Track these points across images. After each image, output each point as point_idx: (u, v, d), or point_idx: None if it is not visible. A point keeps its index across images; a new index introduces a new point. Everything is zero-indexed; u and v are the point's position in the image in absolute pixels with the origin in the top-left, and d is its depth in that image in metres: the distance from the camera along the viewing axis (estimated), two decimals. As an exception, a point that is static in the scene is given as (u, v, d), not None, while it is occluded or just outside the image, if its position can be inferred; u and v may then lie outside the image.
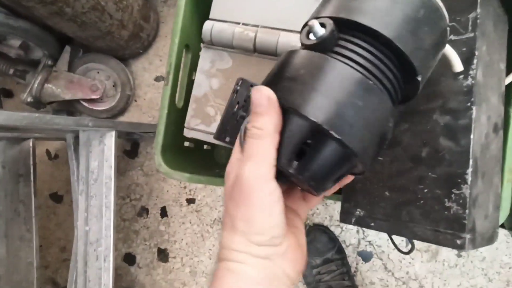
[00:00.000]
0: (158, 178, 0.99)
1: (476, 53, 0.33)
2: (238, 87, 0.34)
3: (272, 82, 0.27)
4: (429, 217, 0.34)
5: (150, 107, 1.00)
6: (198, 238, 0.96)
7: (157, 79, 0.99)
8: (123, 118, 1.01)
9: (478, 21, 0.33)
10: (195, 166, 0.62)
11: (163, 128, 0.51)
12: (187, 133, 0.48)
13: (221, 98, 0.46)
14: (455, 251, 0.82)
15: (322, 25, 0.25)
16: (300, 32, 0.28)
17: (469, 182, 0.31)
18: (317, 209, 0.89)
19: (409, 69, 0.26)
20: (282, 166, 0.26)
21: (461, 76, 0.34)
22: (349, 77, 0.24)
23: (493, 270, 0.81)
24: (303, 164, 0.26)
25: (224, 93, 0.45)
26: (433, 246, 0.83)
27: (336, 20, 0.26)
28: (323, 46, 0.26)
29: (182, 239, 0.97)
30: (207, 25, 0.45)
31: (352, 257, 0.86)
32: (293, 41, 0.40)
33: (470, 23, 0.34)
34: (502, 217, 0.41)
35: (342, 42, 0.26)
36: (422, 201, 0.35)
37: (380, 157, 0.38)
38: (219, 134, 0.35)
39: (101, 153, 0.70)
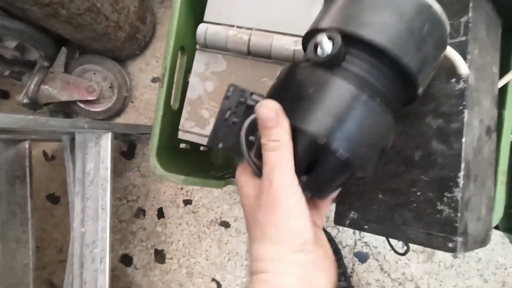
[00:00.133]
0: (155, 179, 0.99)
1: (468, 56, 0.33)
2: (230, 94, 0.34)
3: (276, 97, 0.27)
4: (422, 220, 0.34)
5: (147, 108, 1.00)
6: (195, 239, 0.96)
7: (154, 80, 0.99)
8: (120, 119, 1.01)
9: (470, 25, 0.34)
10: (191, 167, 0.62)
11: (158, 131, 0.51)
12: (181, 135, 0.48)
13: (215, 100, 0.46)
14: (451, 252, 0.82)
15: (330, 38, 0.25)
16: (303, 41, 0.29)
17: (461, 185, 0.32)
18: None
19: (412, 82, 0.27)
20: None
21: (453, 80, 0.34)
22: (356, 99, 0.25)
23: (489, 271, 0.81)
24: (311, 178, 0.27)
25: (218, 96, 0.45)
26: (429, 247, 0.84)
27: (344, 34, 0.25)
28: (329, 63, 0.26)
29: (179, 240, 0.97)
30: (201, 27, 0.45)
31: (348, 258, 0.86)
32: (287, 44, 0.41)
33: (462, 26, 0.34)
34: (496, 219, 0.41)
35: (349, 57, 0.26)
36: (415, 204, 0.35)
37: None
38: (212, 141, 0.35)
39: (97, 154, 0.69)
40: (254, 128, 0.29)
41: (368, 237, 0.86)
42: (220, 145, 0.34)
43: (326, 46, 0.25)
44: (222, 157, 0.87)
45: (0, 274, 0.71)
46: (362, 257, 0.86)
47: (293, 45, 0.40)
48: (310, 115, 0.25)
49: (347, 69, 0.26)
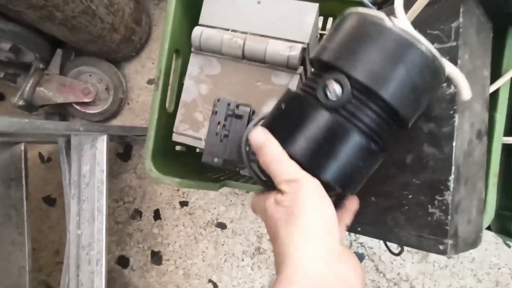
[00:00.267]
0: (151, 181, 0.99)
1: (459, 61, 0.34)
2: (217, 108, 0.35)
3: (275, 129, 0.29)
4: (413, 222, 0.34)
5: (143, 109, 1.00)
6: (191, 240, 0.96)
7: (150, 82, 0.99)
8: (116, 121, 1.00)
9: (460, 30, 0.34)
10: (187, 170, 0.62)
11: (154, 134, 0.51)
12: (175, 137, 0.49)
13: (209, 104, 0.46)
14: (446, 252, 0.83)
15: (341, 84, 0.26)
16: (312, 60, 0.30)
17: (451, 188, 0.32)
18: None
19: (405, 123, 0.29)
20: None
21: (445, 84, 0.34)
22: (358, 145, 0.27)
23: (483, 271, 0.82)
24: None
25: (212, 99, 0.46)
26: (424, 247, 0.84)
27: (356, 82, 0.26)
28: (335, 106, 0.27)
29: (175, 242, 0.97)
30: (196, 31, 0.45)
31: (344, 259, 0.87)
32: (281, 49, 0.41)
33: (453, 32, 0.35)
34: (487, 221, 0.41)
35: (354, 101, 0.27)
36: (406, 207, 0.35)
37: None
38: (206, 157, 0.36)
39: (93, 157, 0.70)
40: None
41: (364, 237, 0.87)
42: (216, 160, 0.35)
43: (337, 90, 0.26)
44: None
45: (-5, 277, 0.71)
46: (357, 258, 0.87)
47: (287, 51, 0.41)
48: (325, 164, 0.28)
49: (352, 113, 0.27)
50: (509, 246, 0.80)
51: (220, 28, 0.45)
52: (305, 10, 0.42)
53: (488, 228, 0.58)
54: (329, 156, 0.27)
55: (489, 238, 0.82)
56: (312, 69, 0.31)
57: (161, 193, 0.98)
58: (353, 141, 0.27)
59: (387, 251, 0.41)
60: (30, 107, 0.88)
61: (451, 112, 0.33)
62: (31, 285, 0.72)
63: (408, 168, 0.35)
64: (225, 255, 0.94)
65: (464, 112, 0.34)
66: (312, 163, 0.28)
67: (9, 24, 0.71)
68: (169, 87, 0.54)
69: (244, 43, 0.42)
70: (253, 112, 0.38)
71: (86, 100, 0.90)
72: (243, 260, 0.93)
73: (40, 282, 1.04)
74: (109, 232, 0.99)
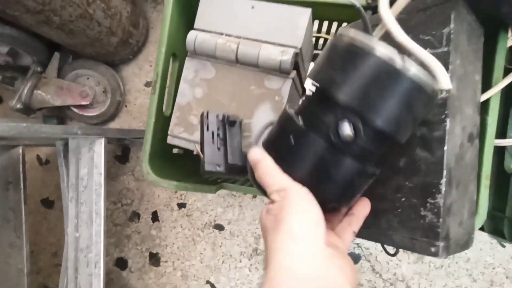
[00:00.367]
0: (149, 183, 0.99)
1: (450, 67, 0.34)
2: (208, 120, 0.36)
3: (275, 154, 0.31)
4: (406, 225, 0.35)
5: (140, 112, 1.00)
6: (189, 242, 0.97)
7: (147, 84, 1.00)
8: (114, 123, 1.01)
9: (451, 36, 0.35)
10: (184, 172, 0.62)
11: (151, 137, 0.52)
12: (170, 140, 0.49)
13: (203, 107, 0.46)
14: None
15: (353, 124, 0.27)
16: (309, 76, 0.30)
17: (443, 192, 0.33)
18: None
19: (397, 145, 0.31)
20: None
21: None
22: (356, 171, 0.29)
23: (478, 271, 0.83)
24: None
25: (207, 103, 0.46)
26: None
27: (365, 120, 0.27)
28: (345, 147, 0.28)
29: (173, 243, 0.98)
30: (191, 35, 0.46)
31: (341, 259, 0.88)
32: (273, 54, 0.41)
33: (444, 37, 0.35)
34: (479, 222, 0.42)
35: (363, 141, 0.28)
36: (400, 210, 0.36)
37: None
38: (209, 165, 0.37)
39: (91, 160, 0.70)
40: None
41: (360, 238, 0.87)
42: (218, 168, 0.36)
43: (350, 132, 0.27)
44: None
45: (-6, 280, 0.71)
46: (354, 258, 0.87)
47: (279, 56, 0.41)
48: (325, 188, 0.30)
49: (360, 151, 0.29)
50: (503, 246, 0.81)
51: (215, 33, 0.46)
52: (298, 15, 0.42)
53: (482, 229, 0.59)
54: (329, 182, 0.29)
55: (484, 238, 0.82)
56: (312, 89, 0.31)
57: (159, 195, 0.99)
58: (353, 169, 0.29)
59: (383, 252, 0.42)
60: (28, 110, 0.88)
61: (443, 116, 0.34)
62: (30, 287, 0.73)
63: (401, 172, 0.36)
64: (222, 256, 0.95)
65: (456, 117, 0.35)
66: (311, 188, 0.29)
67: (6, 27, 0.71)
68: (166, 90, 0.54)
69: (237, 48, 0.43)
70: (241, 122, 0.40)
71: (83, 103, 0.90)
72: (240, 261, 0.94)
73: (39, 284, 1.05)
74: (107, 234, 1.00)
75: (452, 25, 0.35)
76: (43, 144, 0.87)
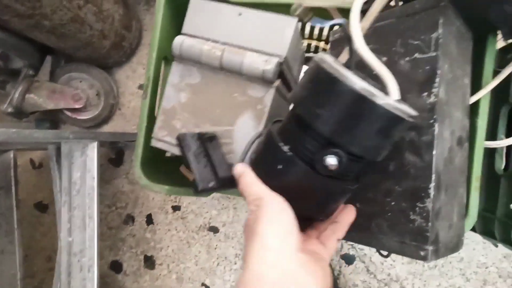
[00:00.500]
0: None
1: (438, 72, 0.35)
2: (185, 142, 0.37)
3: (260, 174, 0.32)
4: (396, 229, 0.35)
5: (134, 115, 1.00)
6: (184, 244, 0.96)
7: (141, 87, 0.99)
8: (107, 126, 1.00)
9: (440, 40, 0.35)
10: (177, 176, 0.62)
11: (142, 141, 0.51)
12: (155, 143, 0.49)
13: (187, 112, 0.46)
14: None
15: (338, 156, 0.29)
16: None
17: (431, 196, 0.33)
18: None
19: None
20: None
21: (425, 94, 0.35)
22: (339, 190, 0.32)
23: (471, 270, 0.83)
24: None
25: (191, 108, 0.46)
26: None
27: (348, 151, 0.29)
28: (331, 175, 0.30)
29: (168, 246, 0.97)
30: (178, 39, 0.46)
31: (335, 260, 0.88)
32: (256, 62, 0.41)
33: (432, 42, 0.35)
34: (470, 224, 0.42)
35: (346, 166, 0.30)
36: (389, 214, 0.36)
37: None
38: (202, 184, 0.38)
39: (83, 164, 0.70)
40: None
41: (355, 239, 0.88)
42: (211, 184, 0.38)
43: (335, 162, 0.29)
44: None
45: (-14, 285, 0.70)
46: (348, 259, 0.88)
47: (262, 65, 0.41)
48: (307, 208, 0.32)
49: (343, 174, 0.31)
50: (496, 246, 0.82)
51: (202, 38, 0.46)
52: (284, 24, 0.42)
53: (473, 229, 0.59)
54: (312, 201, 0.32)
55: (477, 238, 0.83)
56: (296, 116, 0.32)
57: (153, 198, 0.99)
58: (335, 187, 0.31)
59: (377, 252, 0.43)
60: (19, 114, 0.88)
61: (431, 121, 0.34)
62: (24, 292, 0.72)
63: (390, 176, 0.36)
64: (217, 258, 0.95)
65: (445, 121, 0.35)
66: (295, 205, 0.30)
67: (-4, 31, 0.71)
68: (158, 94, 0.54)
69: (222, 55, 0.43)
70: (215, 136, 0.43)
71: (76, 106, 0.90)
72: (235, 264, 0.94)
73: (33, 289, 1.04)
74: (102, 238, 0.99)
75: (440, 30, 0.35)
76: (35, 148, 0.87)
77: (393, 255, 0.86)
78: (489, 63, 0.43)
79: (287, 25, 0.42)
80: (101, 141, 0.72)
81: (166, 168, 0.60)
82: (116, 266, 1.00)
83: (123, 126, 1.00)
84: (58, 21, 0.66)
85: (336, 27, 0.57)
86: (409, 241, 0.34)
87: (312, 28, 0.59)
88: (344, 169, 0.29)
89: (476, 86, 0.42)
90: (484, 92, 0.42)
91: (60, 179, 0.72)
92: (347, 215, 0.36)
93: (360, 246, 0.88)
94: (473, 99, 0.41)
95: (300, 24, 0.49)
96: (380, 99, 0.27)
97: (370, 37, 0.41)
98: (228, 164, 0.41)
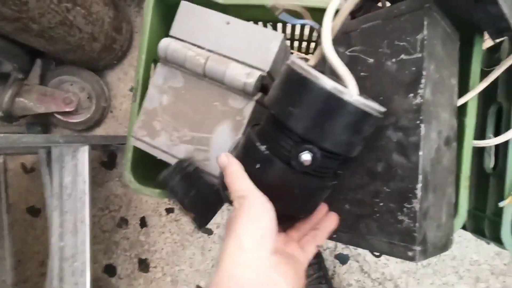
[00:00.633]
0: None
1: (424, 73, 0.35)
2: (170, 185, 0.40)
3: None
4: (384, 229, 0.35)
5: (126, 117, 0.99)
6: (178, 247, 0.96)
7: (133, 89, 0.99)
8: (99, 129, 1.00)
9: (425, 42, 0.35)
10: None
11: (133, 145, 0.51)
12: (133, 142, 0.49)
13: (168, 115, 0.46)
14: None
15: (312, 153, 0.30)
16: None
17: (418, 196, 0.33)
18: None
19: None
20: None
21: (411, 95, 0.35)
22: (319, 187, 0.34)
23: (463, 268, 0.84)
24: None
25: (172, 111, 0.46)
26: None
27: (322, 148, 0.30)
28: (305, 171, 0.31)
29: (162, 249, 0.97)
30: (164, 42, 0.45)
31: (329, 260, 0.88)
32: (239, 74, 0.41)
33: (418, 43, 0.36)
34: (459, 223, 0.42)
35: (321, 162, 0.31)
36: (378, 215, 0.36)
37: (340, 171, 0.39)
38: (204, 222, 0.41)
39: (74, 168, 0.69)
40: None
41: (348, 239, 0.88)
42: (209, 216, 0.41)
43: (309, 158, 0.30)
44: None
45: (-23, 292, 0.70)
46: (342, 259, 0.88)
47: (244, 77, 0.41)
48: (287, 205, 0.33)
49: (319, 171, 0.32)
50: (488, 243, 0.83)
51: (188, 43, 0.45)
52: (270, 39, 0.42)
53: (464, 228, 0.60)
54: (291, 198, 0.32)
55: (469, 236, 0.84)
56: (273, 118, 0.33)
57: (146, 201, 0.98)
58: (312, 184, 0.32)
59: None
60: (9, 118, 0.87)
61: (418, 122, 0.34)
62: (15, 298, 0.72)
63: (378, 177, 0.36)
64: (212, 260, 0.94)
65: (431, 122, 0.35)
66: (275, 203, 0.31)
67: (-16, 35, 0.70)
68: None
69: (205, 63, 0.42)
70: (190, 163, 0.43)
71: (67, 109, 0.89)
72: (230, 265, 0.94)
73: (26, 294, 1.03)
74: (95, 241, 0.99)
75: (425, 32, 0.35)
76: (26, 152, 0.86)
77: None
78: (476, 64, 0.44)
79: (273, 40, 0.42)
80: (93, 144, 0.72)
81: (157, 171, 0.60)
82: (110, 270, 0.99)
83: (115, 128, 0.99)
84: (46, 24, 0.65)
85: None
86: (398, 241, 0.34)
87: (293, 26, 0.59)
88: (320, 166, 0.30)
89: (463, 86, 0.43)
90: (472, 95, 0.42)
91: (51, 183, 0.71)
92: (329, 222, 0.36)
93: (354, 245, 0.88)
94: (461, 101, 0.42)
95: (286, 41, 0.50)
96: (347, 96, 0.28)
97: (357, 38, 0.41)
98: (215, 186, 0.42)
